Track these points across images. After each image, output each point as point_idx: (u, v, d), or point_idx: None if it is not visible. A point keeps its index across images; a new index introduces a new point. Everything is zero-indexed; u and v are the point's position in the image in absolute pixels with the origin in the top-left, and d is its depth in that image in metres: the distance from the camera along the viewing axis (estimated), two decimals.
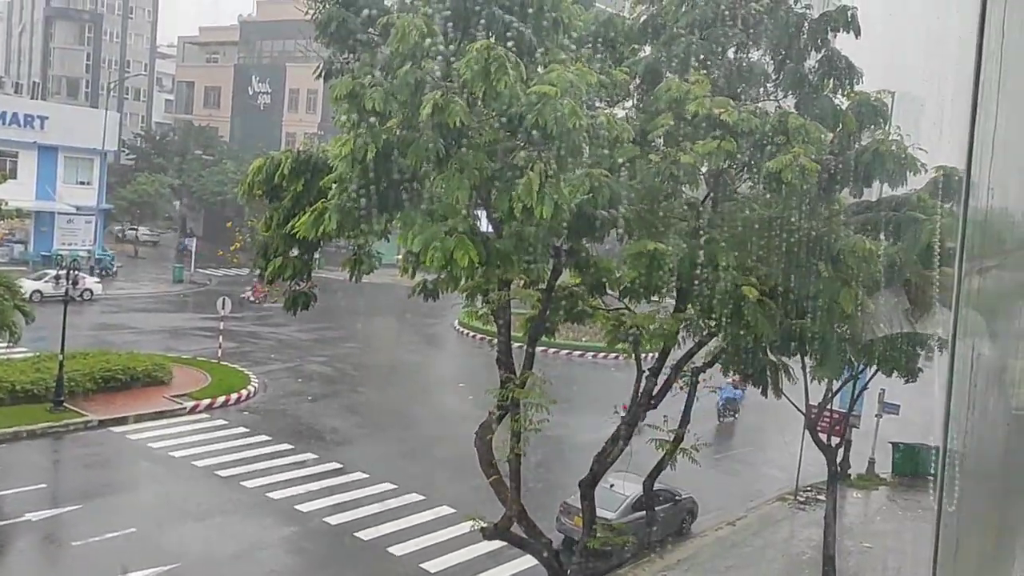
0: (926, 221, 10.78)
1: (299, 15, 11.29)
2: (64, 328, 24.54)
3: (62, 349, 24.67)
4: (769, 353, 11.89)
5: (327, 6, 9.66)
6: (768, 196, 10.36)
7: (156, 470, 21.31)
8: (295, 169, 10.17)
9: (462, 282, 9.92)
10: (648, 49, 11.76)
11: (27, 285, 33.27)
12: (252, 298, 42.49)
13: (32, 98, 57.91)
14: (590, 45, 10.37)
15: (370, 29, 9.37)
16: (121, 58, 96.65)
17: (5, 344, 22.62)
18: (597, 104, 10.13)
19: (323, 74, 10.27)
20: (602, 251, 12.63)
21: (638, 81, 11.36)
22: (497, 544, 14.65)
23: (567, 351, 39.85)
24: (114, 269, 53.26)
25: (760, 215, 10.28)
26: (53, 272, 40.79)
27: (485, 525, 12.42)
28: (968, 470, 3.24)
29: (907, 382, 14.83)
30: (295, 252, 10.95)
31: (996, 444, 3.25)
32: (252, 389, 28.71)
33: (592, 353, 40.14)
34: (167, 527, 17.97)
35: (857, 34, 10.95)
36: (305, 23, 10.74)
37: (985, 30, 2.85)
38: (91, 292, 43.32)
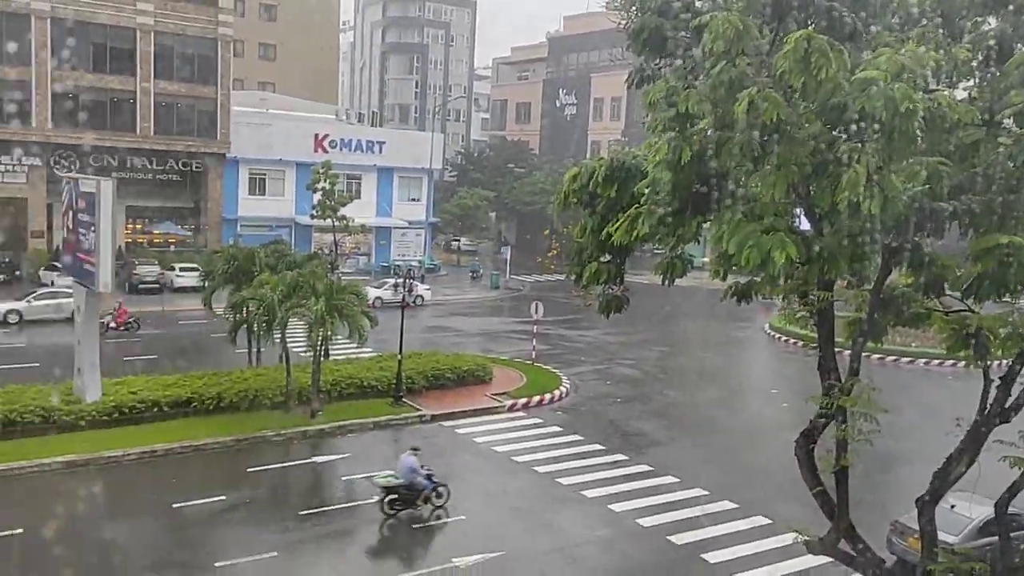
0: None
1: (603, 27, 11.66)
2: (402, 331, 27.27)
3: (400, 350, 27.45)
4: None
5: (640, 15, 9.78)
6: None
7: (480, 463, 22.91)
8: (608, 176, 10.38)
9: (780, 283, 9.50)
10: (993, 21, 10.47)
11: (371, 293, 37.51)
12: (114, 324, 35.53)
13: (372, 126, 65.16)
14: (925, 23, 9.46)
15: (682, 32, 9.35)
16: (444, 83, 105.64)
17: (355, 345, 25.68)
18: (935, 86, 9.20)
19: (634, 82, 10.41)
20: (939, 247, 11.45)
21: (981, 57, 10.16)
22: (816, 560, 13.86)
23: (894, 357, 36.74)
24: (442, 273, 58.26)
25: None
26: (391, 281, 45.58)
27: (809, 539, 11.78)
28: None
29: None
30: (607, 257, 11.19)
31: None
32: (564, 390, 29.84)
33: (924, 360, 36.63)
34: (492, 517, 19.24)
35: None
36: (609, 34, 10.98)
37: None
38: (422, 298, 47.79)
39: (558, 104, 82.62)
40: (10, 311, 36.80)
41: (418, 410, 26.35)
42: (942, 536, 14.22)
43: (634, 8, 10.24)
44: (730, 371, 36.71)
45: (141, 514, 18.60)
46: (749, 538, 18.34)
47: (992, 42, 9.74)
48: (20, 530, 17.22)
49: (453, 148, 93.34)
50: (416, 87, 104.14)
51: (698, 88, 8.23)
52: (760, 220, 8.57)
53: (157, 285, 45.73)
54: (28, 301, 37.39)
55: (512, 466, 22.43)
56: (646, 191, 9.21)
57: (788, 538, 14.21)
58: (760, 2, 8.17)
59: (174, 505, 18.86)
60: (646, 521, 19.08)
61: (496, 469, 22.36)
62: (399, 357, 27.32)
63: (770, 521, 18.97)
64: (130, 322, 36.84)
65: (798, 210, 9.89)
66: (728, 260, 8.98)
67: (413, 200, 62.16)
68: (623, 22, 10.08)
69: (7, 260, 46.45)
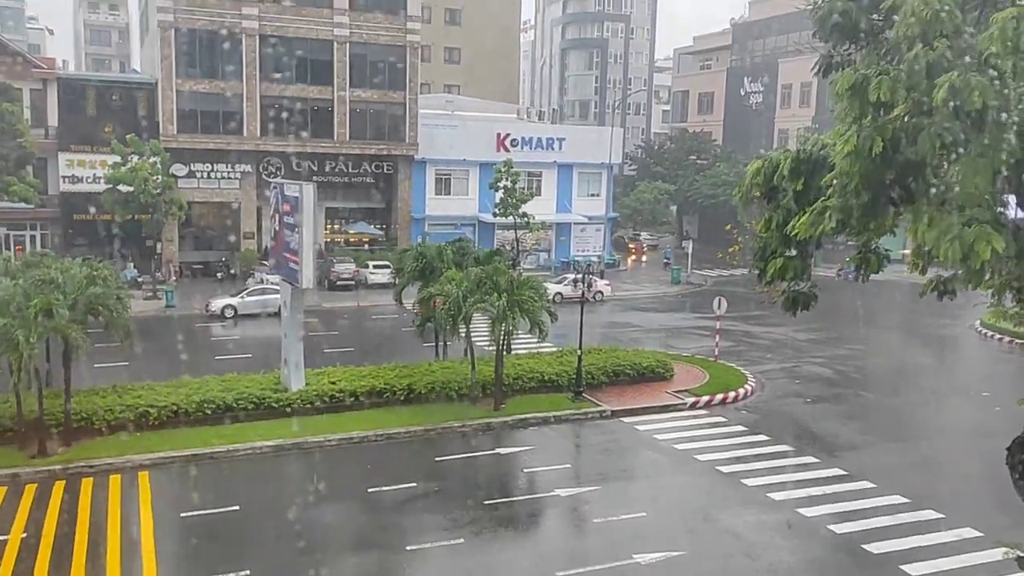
0: None
1: (790, 10, 11.13)
2: (581, 326, 27.51)
3: (580, 345, 27.69)
4: None
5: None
6: None
7: (661, 460, 22.70)
8: (794, 169, 9.99)
9: (986, 277, 8.80)
10: None
11: (551, 288, 38.05)
12: None
13: (552, 123, 65.96)
14: None
15: (873, 15, 8.85)
16: (624, 77, 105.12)
17: (536, 340, 26.18)
18: None
19: (822, 69, 9.97)
20: None
21: None
22: None
23: None
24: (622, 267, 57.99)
25: None
26: (571, 276, 45.99)
27: (1022, 555, 10.84)
28: None
29: None
30: (792, 252, 10.78)
31: None
32: (749, 388, 28.98)
33: None
34: (674, 515, 19.04)
35: None
36: (797, 17, 10.56)
37: None
38: (602, 294, 47.87)
39: (742, 92, 79.99)
40: (227, 306, 40.44)
41: (598, 405, 26.47)
42: None
43: None
44: (934, 371, 34.22)
45: (341, 497, 19.91)
46: (954, 551, 17.08)
47: None
48: (236, 507, 18.93)
49: (633, 142, 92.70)
50: (596, 82, 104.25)
51: (891, 74, 7.76)
52: (962, 211, 7.99)
53: (353, 282, 48.51)
54: (241, 297, 40.92)
55: (694, 465, 22.08)
56: (834, 183, 8.81)
57: (997, 553, 13.12)
58: None
59: (369, 490, 20.05)
60: (839, 528, 18.22)
61: (677, 467, 22.09)
62: (579, 352, 27.57)
63: (979, 534, 17.59)
64: None
65: (1010, 198, 9.13)
66: (927, 254, 8.44)
67: (592, 195, 62.31)
68: (810, 6, 9.68)
69: (223, 260, 50.93)
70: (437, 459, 22.12)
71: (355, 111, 53.19)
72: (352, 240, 55.67)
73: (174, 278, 48.03)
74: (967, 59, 7.42)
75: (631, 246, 70.67)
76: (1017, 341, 35.58)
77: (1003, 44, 6.84)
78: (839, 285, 43.94)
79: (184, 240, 52.02)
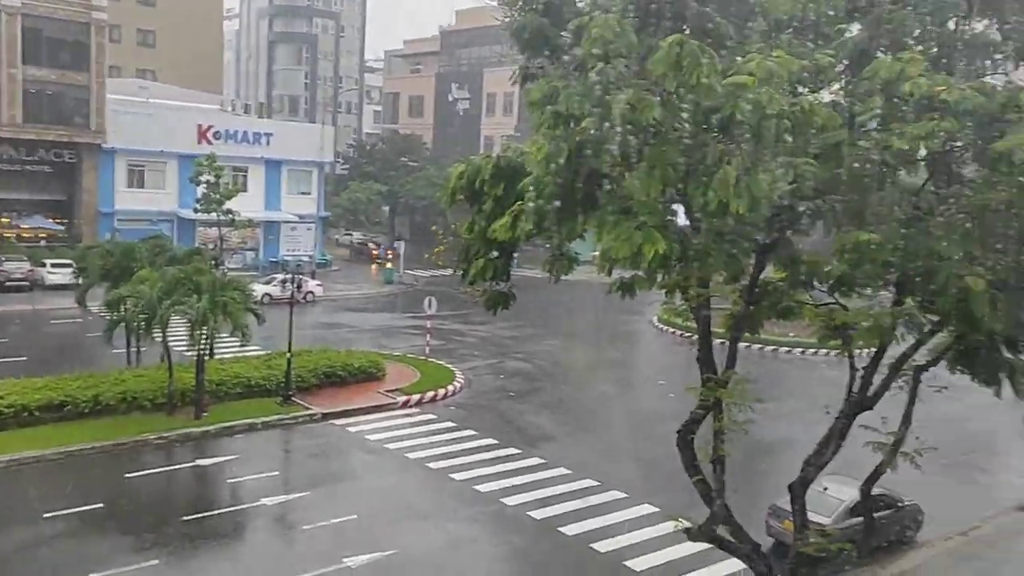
0: None
1: (494, 22, 11.59)
2: (291, 328, 26.71)
3: (289, 347, 26.86)
4: (1005, 351, 10.78)
5: (521, 14, 9.86)
6: (996, 179, 9.40)
7: (372, 461, 22.68)
8: (495, 174, 10.45)
9: (658, 279, 9.77)
10: (856, 28, 11.04)
11: (258, 289, 36.55)
12: None
13: (259, 117, 63.36)
14: (791, 29, 9.90)
15: (563, 32, 9.48)
16: (335, 74, 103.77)
17: (239, 343, 24.98)
18: (801, 90, 9.64)
19: (518, 80, 10.51)
20: (809, 244, 12.03)
21: (845, 63, 10.70)
22: (698, 547, 14.35)
23: (773, 347, 38.36)
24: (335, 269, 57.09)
25: (987, 200, 9.36)
26: (280, 277, 44.53)
27: (690, 526, 12.18)
28: None
29: None
30: (495, 254, 11.26)
31: None
32: (457, 385, 29.87)
33: (801, 350, 38.36)
34: (384, 515, 19.07)
35: None
36: (500, 29, 11.03)
37: None
38: (313, 294, 46.88)
39: (451, 98, 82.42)
40: None
41: (308, 409, 25.86)
42: (815, 517, 14.99)
43: (519, 5, 10.33)
44: (620, 364, 37.53)
45: (8, 527, 17.59)
46: (637, 526, 18.81)
47: (853, 48, 10.28)
48: None
49: (345, 141, 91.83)
50: (305, 78, 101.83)
51: (578, 88, 8.36)
52: (636, 217, 8.80)
53: (27, 283, 43.31)
54: None
55: (405, 463, 22.31)
56: (530, 189, 9.31)
57: (671, 526, 14.63)
58: (636, 6, 8.36)
59: (46, 515, 17.92)
60: (538, 513, 19.32)
61: (389, 467, 22.19)
62: (288, 355, 26.74)
63: (656, 509, 19.52)
64: None
65: (679, 207, 10.19)
66: (610, 256, 9.18)
67: (303, 193, 60.87)
68: (507, 19, 10.15)
69: None
70: (128, 476, 20.32)
71: (30, 92, 47.42)
72: (26, 236, 49.55)
73: None
74: (642, 79, 8.17)
75: (374, 252, 68.66)
76: (686, 334, 40.09)
77: (668, 66, 7.61)
78: (541, 284, 46.75)
79: None
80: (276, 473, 21.80)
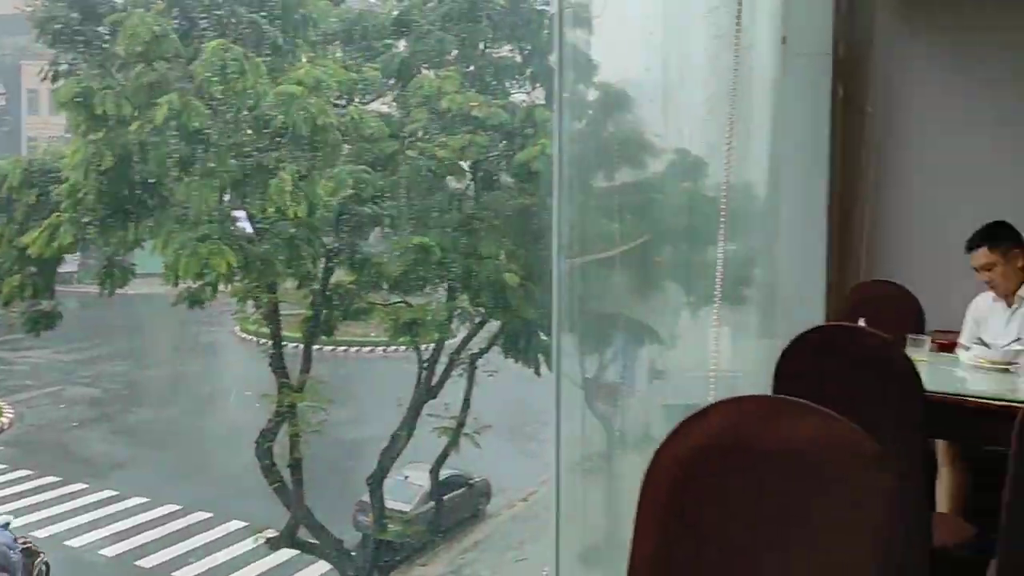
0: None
1: (18, 8, 10.39)
2: None
3: None
4: (542, 335, 12.36)
5: (48, 2, 8.93)
6: (525, 185, 10.77)
7: None
8: (26, 180, 9.36)
9: (220, 288, 9.56)
10: (403, 44, 11.84)
11: None
12: None
13: None
14: (339, 41, 10.31)
15: (98, 27, 8.78)
16: None
17: None
18: (353, 101, 10.09)
19: (49, 75, 9.49)
20: (381, 247, 12.62)
21: (395, 77, 11.42)
22: (289, 554, 14.32)
23: (356, 348, 39.37)
24: None
25: (518, 204, 10.68)
26: None
27: (271, 536, 12.11)
28: None
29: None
30: (33, 269, 10.08)
31: None
32: (5, 421, 26.06)
33: (382, 348, 39.90)
34: None
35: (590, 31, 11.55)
36: (26, 20, 9.89)
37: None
38: None
39: None
40: None
41: None
42: (399, 505, 15.79)
43: None
44: (202, 378, 35.69)
45: None
46: (224, 545, 18.08)
47: (401, 64, 11.03)
48: None
49: None
50: None
51: (117, 89, 7.83)
52: (196, 227, 8.53)
53: None
54: None
55: None
56: (67, 198, 8.50)
57: (262, 538, 14.37)
58: (180, 8, 8.07)
59: None
60: (110, 550, 17.66)
61: None
62: None
63: (245, 524, 18.97)
64: None
65: (241, 213, 10.06)
66: (175, 268, 8.78)
67: None
68: (30, 8, 9.13)
69: None
70: None
71: None
72: None
73: None
74: (187, 83, 7.92)
75: None
76: (271, 341, 39.63)
77: (214, 71, 7.48)
78: (107, 300, 42.61)
79: None
80: None
